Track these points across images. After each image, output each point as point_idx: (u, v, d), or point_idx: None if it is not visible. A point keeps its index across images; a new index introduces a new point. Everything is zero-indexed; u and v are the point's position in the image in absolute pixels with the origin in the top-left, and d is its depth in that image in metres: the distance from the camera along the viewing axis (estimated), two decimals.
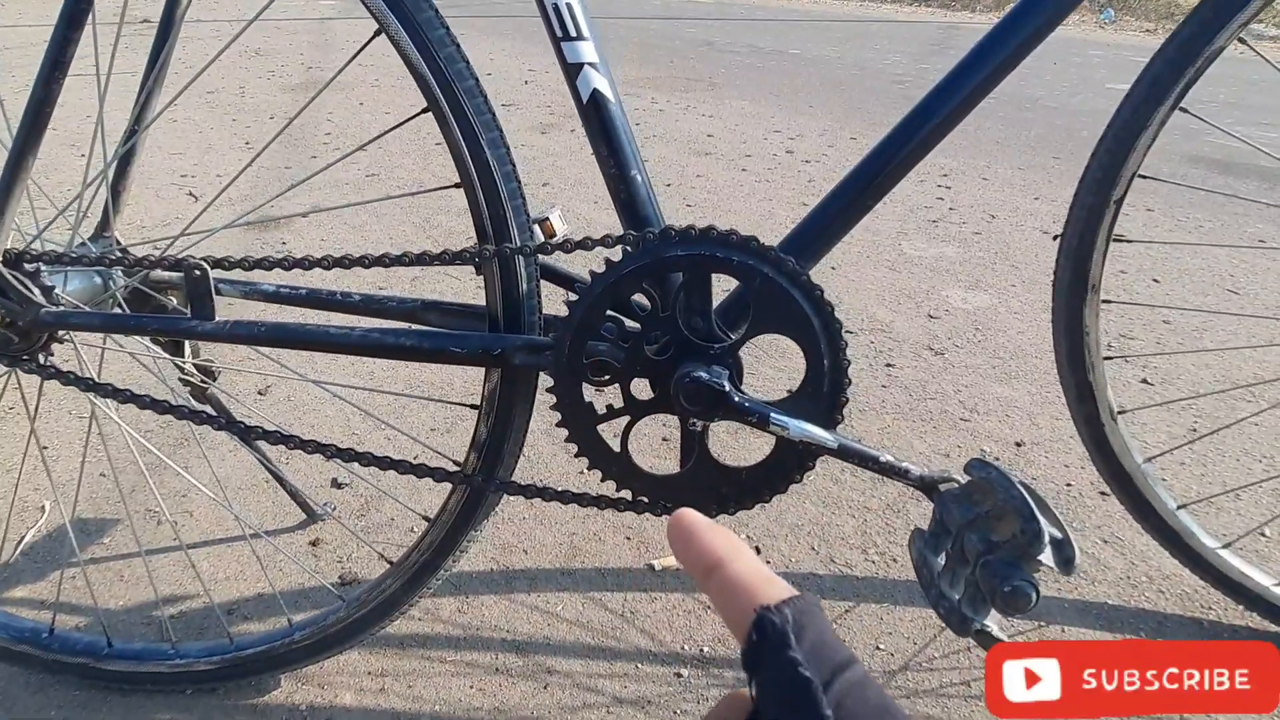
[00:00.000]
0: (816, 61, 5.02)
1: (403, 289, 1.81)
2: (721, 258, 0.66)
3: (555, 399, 0.71)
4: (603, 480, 0.73)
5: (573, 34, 0.66)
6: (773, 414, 0.67)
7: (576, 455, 0.72)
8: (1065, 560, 0.55)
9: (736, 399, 0.67)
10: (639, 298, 0.71)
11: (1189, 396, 1.46)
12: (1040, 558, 0.54)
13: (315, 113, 3.38)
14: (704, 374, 0.67)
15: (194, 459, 1.24)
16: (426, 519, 0.82)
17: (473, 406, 0.78)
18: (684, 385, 0.67)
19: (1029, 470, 1.28)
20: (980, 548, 0.59)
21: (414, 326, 0.75)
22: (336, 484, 1.21)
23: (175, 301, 0.83)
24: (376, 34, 0.68)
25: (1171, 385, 1.51)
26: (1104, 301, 0.87)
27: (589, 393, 0.71)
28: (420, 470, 0.74)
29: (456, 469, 0.78)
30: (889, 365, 1.58)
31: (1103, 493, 1.21)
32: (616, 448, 0.72)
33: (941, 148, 0.77)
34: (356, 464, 0.74)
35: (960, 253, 2.12)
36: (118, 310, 0.76)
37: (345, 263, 0.69)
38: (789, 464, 0.71)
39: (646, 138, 3.21)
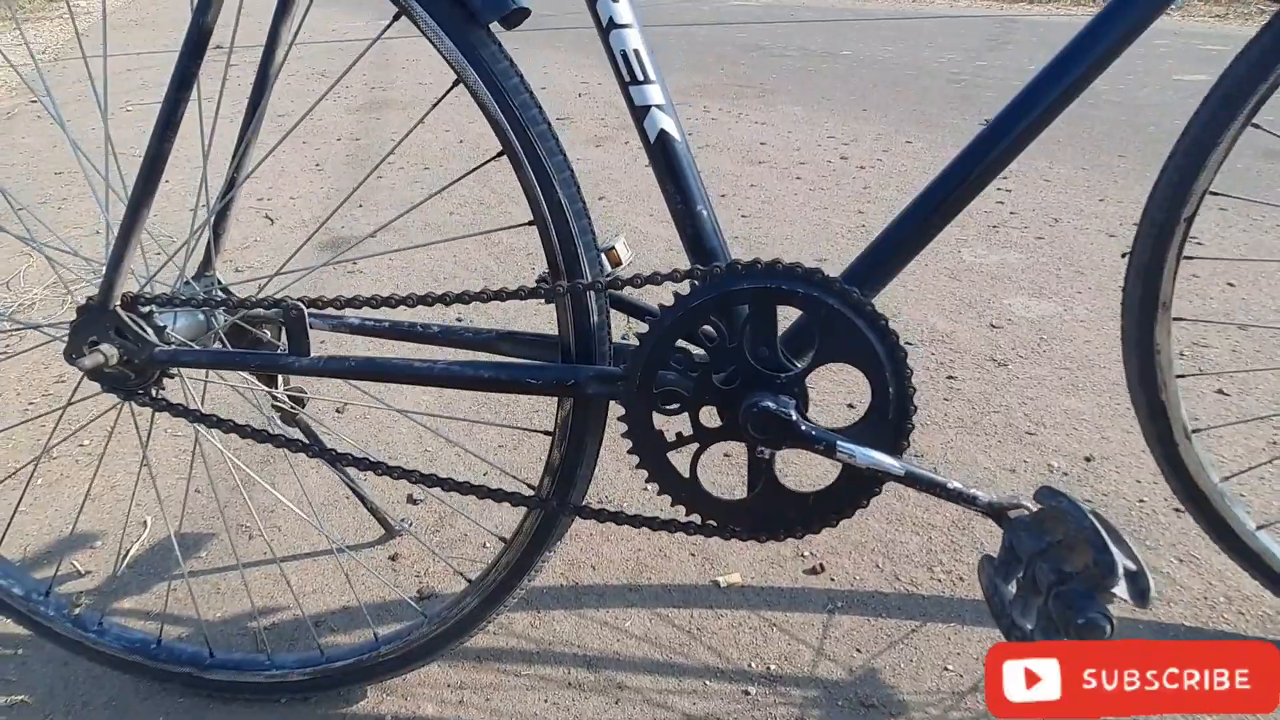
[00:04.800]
0: (869, 63, 4.96)
1: (470, 311, 1.86)
2: (786, 290, 0.68)
3: (626, 427, 0.74)
4: (672, 505, 0.76)
5: (640, 78, 0.69)
6: (839, 442, 0.69)
7: (647, 481, 0.75)
8: (1140, 593, 0.55)
9: (803, 428, 0.69)
10: (706, 328, 0.73)
11: (1271, 414, 1.41)
12: (1114, 590, 0.54)
13: (379, 134, 3.50)
14: (771, 403, 0.69)
15: (278, 477, 1.31)
16: (502, 539, 0.85)
17: (546, 433, 0.81)
18: (752, 414, 0.69)
19: (1099, 486, 1.25)
20: (1053, 578, 0.59)
21: (491, 358, 0.78)
22: (412, 500, 1.26)
23: (269, 334, 0.89)
24: (455, 84, 0.72)
25: (1249, 396, 1.46)
26: (1175, 319, 0.86)
27: (659, 421, 0.74)
28: (498, 495, 0.78)
29: (532, 493, 0.81)
30: (950, 378, 1.56)
31: (1177, 509, 1.18)
32: (686, 473, 0.75)
33: None
34: (439, 489, 0.78)
35: (1023, 259, 2.08)
36: (220, 346, 0.82)
37: (429, 300, 0.73)
38: (856, 490, 0.73)
39: (700, 147, 3.23)
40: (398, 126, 3.58)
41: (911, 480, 0.70)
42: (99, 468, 1.27)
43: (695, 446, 0.74)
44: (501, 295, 0.73)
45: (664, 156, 0.71)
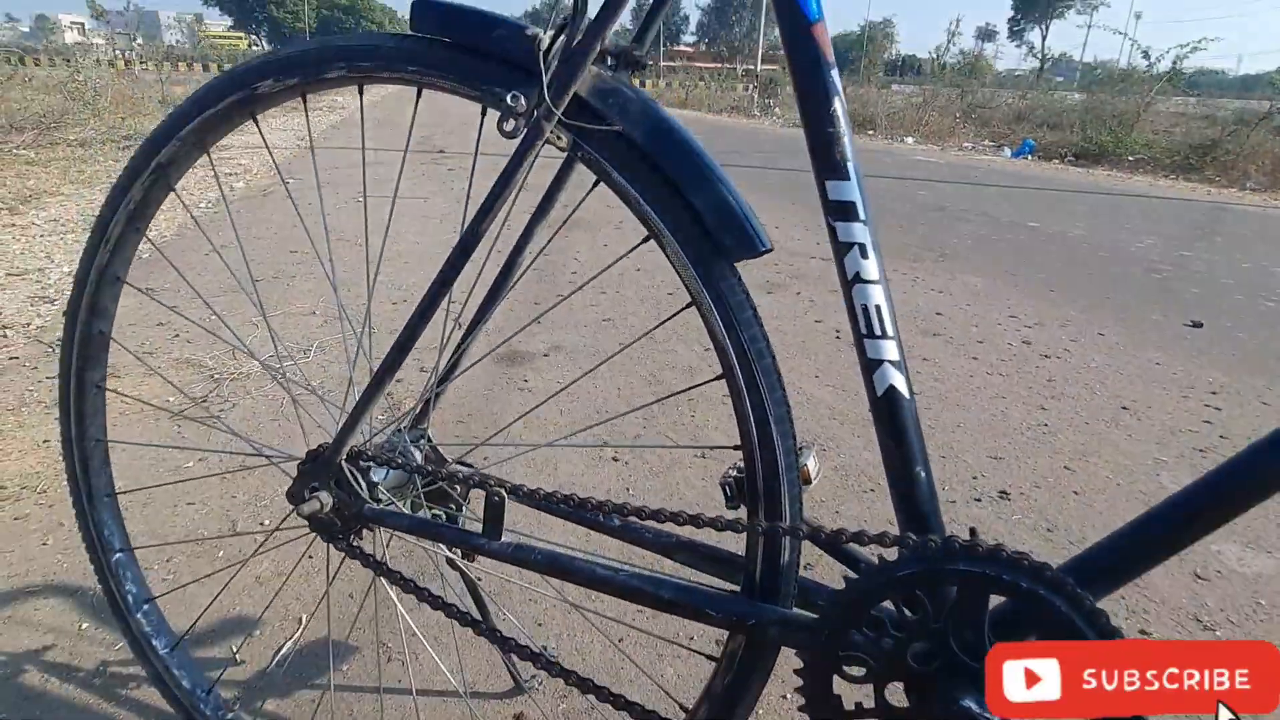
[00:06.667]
0: (1059, 239, 4.80)
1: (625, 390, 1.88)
2: (1008, 581, 0.63)
3: (802, 681, 0.69)
4: None
5: (878, 333, 0.68)
6: None
7: None
8: None
9: None
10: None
11: None
12: None
13: (562, 253, 3.74)
14: (975, 706, 0.62)
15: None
16: None
17: (711, 658, 0.78)
18: (953, 713, 0.62)
19: None
20: None
21: (673, 578, 0.77)
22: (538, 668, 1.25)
23: (458, 490, 0.93)
24: (687, 306, 0.74)
25: None
26: None
27: (838, 683, 0.68)
28: (653, 717, 0.74)
29: (686, 717, 0.77)
30: (1143, 633, 1.38)
31: None
32: None
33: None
34: (594, 696, 0.75)
35: None
36: (423, 515, 0.86)
37: (624, 510, 0.73)
38: None
39: None
40: (582, 247, 3.81)
41: None
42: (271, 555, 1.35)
43: None
44: (698, 521, 0.72)
45: (889, 412, 0.69)
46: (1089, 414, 2.28)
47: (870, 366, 0.69)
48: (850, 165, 0.66)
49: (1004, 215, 5.53)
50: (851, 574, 0.68)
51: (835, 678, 0.68)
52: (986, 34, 66.17)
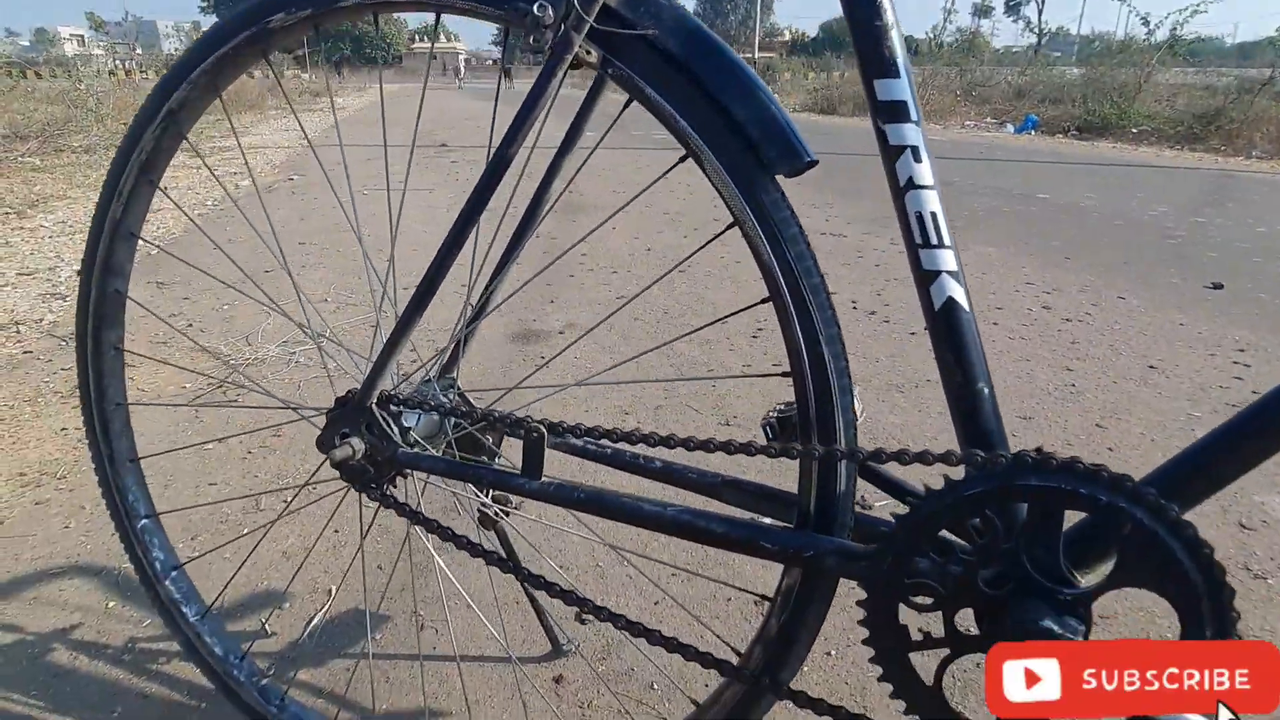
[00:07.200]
0: (1070, 209, 4.74)
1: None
2: (1085, 495, 0.59)
3: (865, 613, 0.66)
4: (906, 712, 0.66)
5: (933, 242, 0.65)
6: None
7: (880, 679, 0.66)
8: None
9: None
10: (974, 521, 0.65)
11: None
12: None
13: (573, 234, 3.71)
14: (1054, 625, 0.59)
15: (454, 568, 1.31)
16: (695, 703, 0.78)
17: (763, 597, 0.75)
18: (1029, 633, 0.59)
19: None
20: None
21: (721, 511, 0.74)
22: (581, 619, 1.22)
23: (490, 440, 0.90)
24: (730, 226, 0.70)
25: None
26: None
27: (904, 614, 0.65)
28: (706, 659, 0.71)
29: (739, 661, 0.74)
30: None
31: None
32: (929, 680, 0.65)
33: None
34: (644, 640, 0.72)
35: None
36: (457, 457, 0.83)
37: (670, 443, 0.70)
38: None
39: (887, 280, 3.16)
40: (587, 228, 3.78)
41: None
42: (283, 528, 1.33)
43: (945, 653, 0.65)
44: (750, 448, 0.68)
45: (947, 326, 0.65)
46: (1116, 374, 2.24)
47: (926, 279, 0.66)
48: (900, 62, 0.63)
49: (1013, 188, 5.47)
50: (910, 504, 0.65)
51: (900, 607, 0.65)
52: (982, 10, 65.63)
